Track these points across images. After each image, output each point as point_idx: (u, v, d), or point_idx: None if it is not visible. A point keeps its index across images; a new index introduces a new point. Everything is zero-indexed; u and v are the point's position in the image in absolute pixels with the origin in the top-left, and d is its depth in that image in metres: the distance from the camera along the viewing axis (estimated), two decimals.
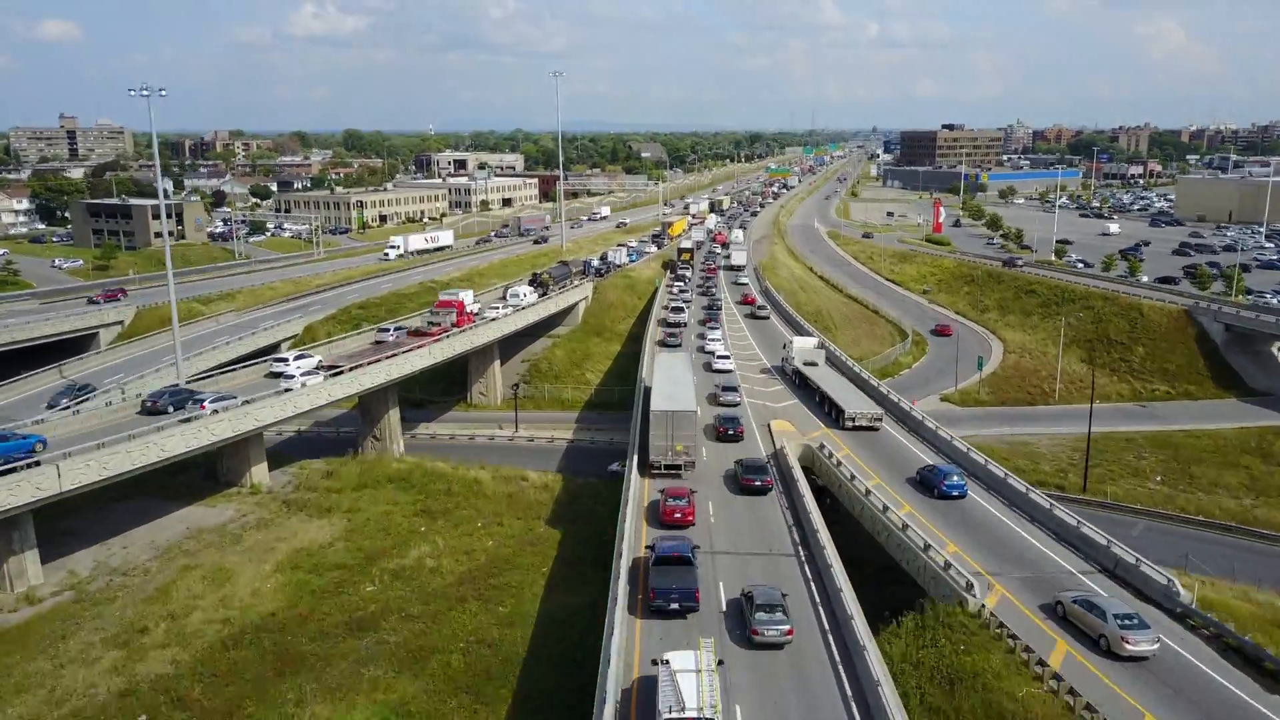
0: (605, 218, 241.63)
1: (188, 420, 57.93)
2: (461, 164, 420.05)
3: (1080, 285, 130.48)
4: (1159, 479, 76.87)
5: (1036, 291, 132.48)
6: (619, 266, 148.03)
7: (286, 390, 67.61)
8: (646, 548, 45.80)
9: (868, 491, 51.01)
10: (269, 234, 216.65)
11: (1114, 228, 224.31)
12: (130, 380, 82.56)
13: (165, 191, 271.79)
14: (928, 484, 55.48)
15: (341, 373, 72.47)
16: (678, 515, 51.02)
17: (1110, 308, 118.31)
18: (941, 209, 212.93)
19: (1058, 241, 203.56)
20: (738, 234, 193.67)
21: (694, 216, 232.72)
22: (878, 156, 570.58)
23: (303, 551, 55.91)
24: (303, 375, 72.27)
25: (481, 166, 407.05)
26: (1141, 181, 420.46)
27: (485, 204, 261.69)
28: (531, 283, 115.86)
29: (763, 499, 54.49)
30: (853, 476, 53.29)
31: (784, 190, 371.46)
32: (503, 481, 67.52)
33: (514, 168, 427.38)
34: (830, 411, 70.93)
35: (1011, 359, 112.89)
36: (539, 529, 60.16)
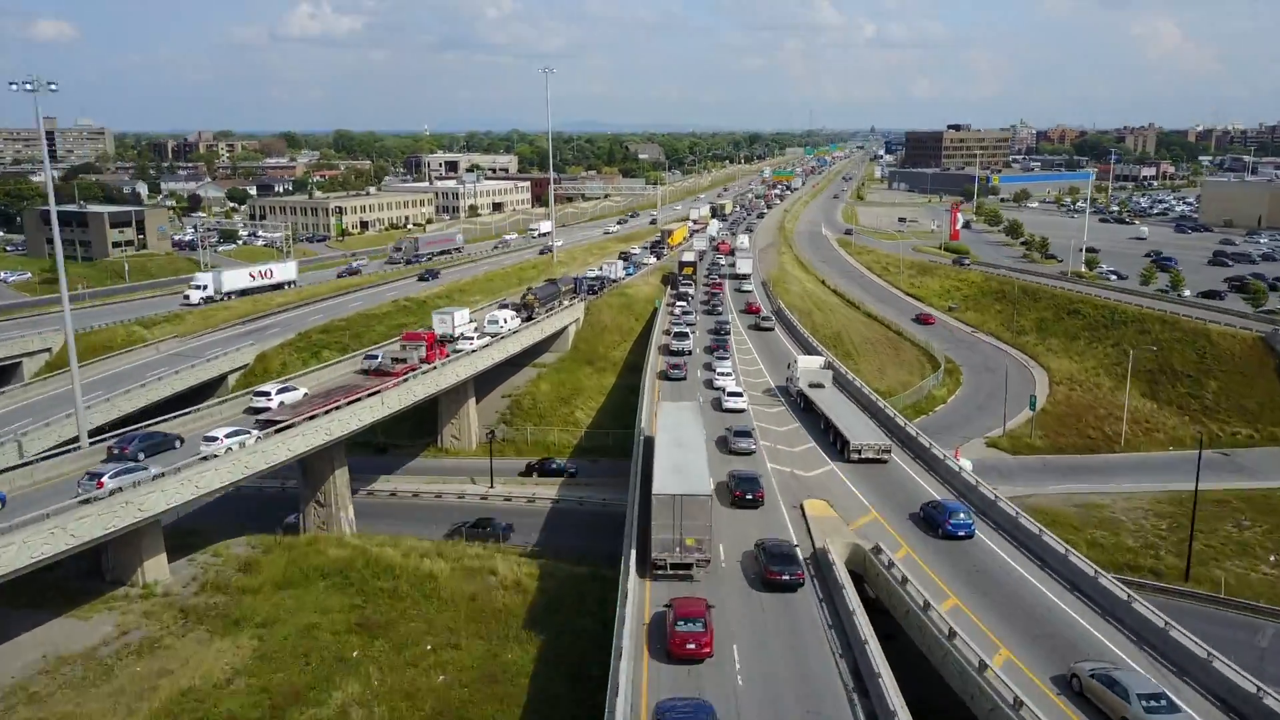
0: (545, 234, 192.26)
1: (46, 515, 43.89)
2: (453, 166, 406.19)
3: (1131, 305, 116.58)
4: (1274, 559, 63.14)
5: (1081, 312, 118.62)
6: (614, 282, 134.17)
7: (205, 458, 53.83)
8: None
9: (952, 633, 37.05)
10: (241, 242, 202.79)
11: (1145, 230, 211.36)
12: (32, 429, 68.78)
13: (139, 196, 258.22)
14: (931, 522, 50.34)
15: (279, 430, 58.72)
16: (690, 646, 37.59)
17: (1171, 333, 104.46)
18: (959, 215, 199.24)
19: (1086, 249, 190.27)
20: (743, 239, 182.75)
21: (695, 222, 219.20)
22: (880, 158, 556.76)
23: (190, 696, 41.92)
24: (229, 437, 58.44)
25: (473, 169, 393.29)
26: (1155, 183, 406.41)
27: (474, 209, 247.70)
28: (518, 305, 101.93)
29: (795, 600, 42.00)
30: (927, 605, 39.26)
31: (788, 192, 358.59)
32: (464, 576, 53.47)
33: (507, 170, 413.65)
34: (835, 441, 64.41)
35: (1061, 393, 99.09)
36: (505, 654, 46.16)
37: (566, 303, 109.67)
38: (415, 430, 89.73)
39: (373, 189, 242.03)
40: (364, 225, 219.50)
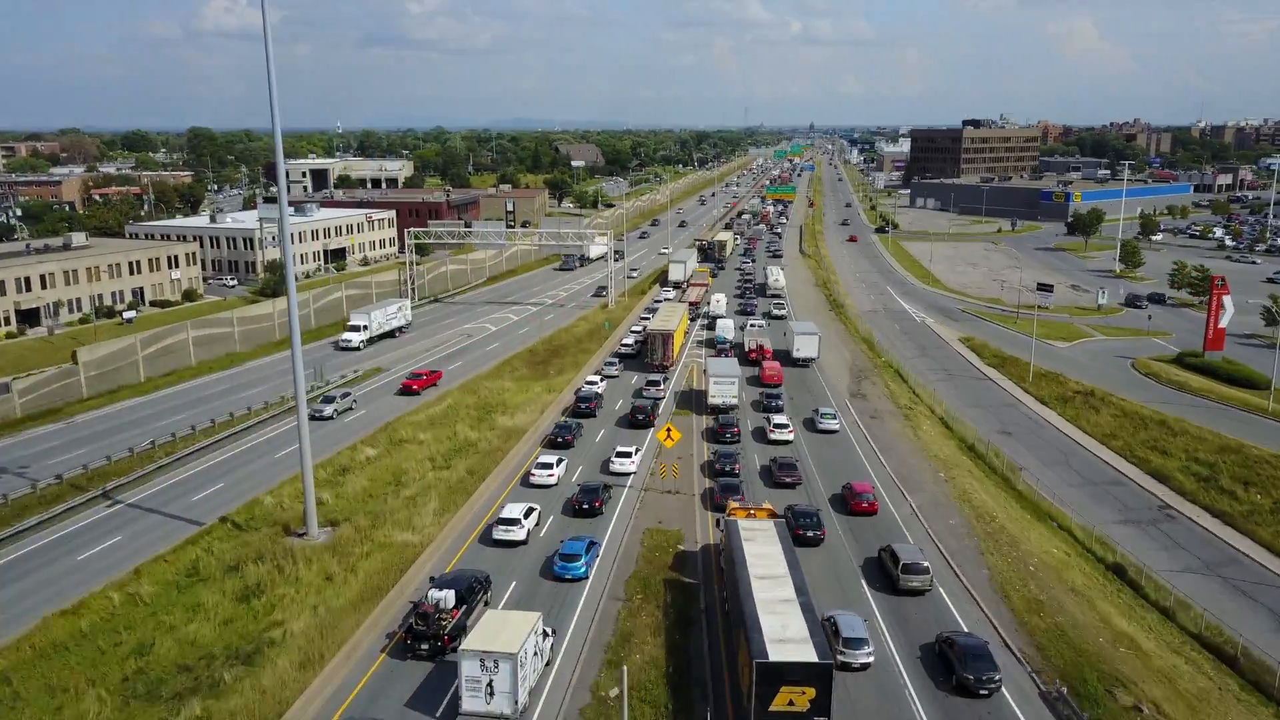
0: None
1: None
2: (320, 177, 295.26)
3: None
4: None
5: None
6: None
7: None
8: None
9: None
10: None
11: None
12: None
13: None
14: None
15: None
16: None
17: None
18: (1228, 301, 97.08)
19: None
20: (777, 275, 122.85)
21: (677, 286, 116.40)
22: (877, 165, 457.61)
23: None
24: None
25: (340, 184, 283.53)
26: (1249, 196, 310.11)
27: (272, 268, 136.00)
28: None
29: None
30: None
31: (785, 209, 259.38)
32: None
33: (396, 180, 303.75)
34: None
35: None
36: None
37: None
38: None
39: (80, 236, 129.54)
40: (24, 317, 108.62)
